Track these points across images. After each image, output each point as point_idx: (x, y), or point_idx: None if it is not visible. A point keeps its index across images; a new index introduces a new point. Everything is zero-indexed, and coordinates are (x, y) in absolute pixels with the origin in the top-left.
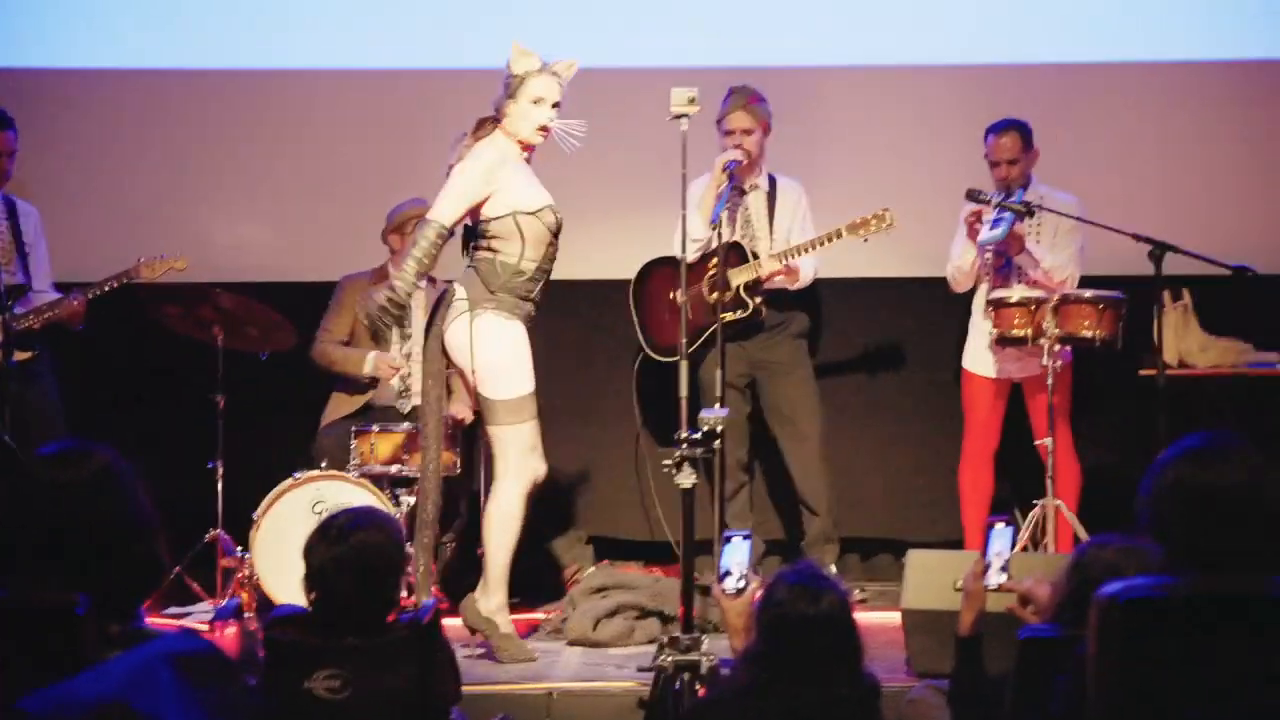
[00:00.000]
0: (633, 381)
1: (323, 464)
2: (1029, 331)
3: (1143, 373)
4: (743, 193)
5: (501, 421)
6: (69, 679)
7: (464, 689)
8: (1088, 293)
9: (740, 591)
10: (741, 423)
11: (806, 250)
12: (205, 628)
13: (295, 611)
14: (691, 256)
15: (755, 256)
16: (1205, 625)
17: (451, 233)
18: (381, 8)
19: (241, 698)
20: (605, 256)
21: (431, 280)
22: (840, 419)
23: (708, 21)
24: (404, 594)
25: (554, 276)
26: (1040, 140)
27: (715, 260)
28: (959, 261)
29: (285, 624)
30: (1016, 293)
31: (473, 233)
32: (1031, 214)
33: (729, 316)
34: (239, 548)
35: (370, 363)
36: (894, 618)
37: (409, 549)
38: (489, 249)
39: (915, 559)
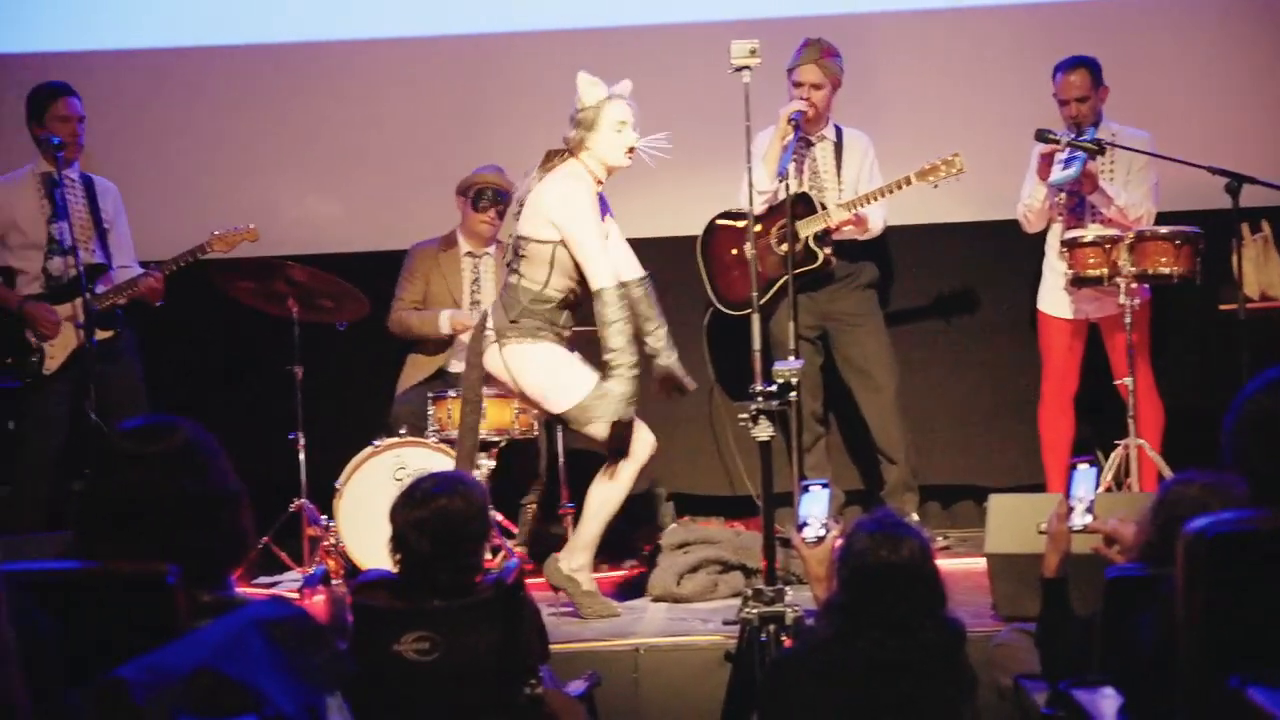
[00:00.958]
0: (703, 336)
1: (401, 431)
2: (1105, 270)
3: (1223, 307)
4: (809, 144)
5: (584, 421)
6: (163, 647)
7: (551, 648)
8: (1163, 229)
9: (820, 540)
10: (815, 374)
11: (876, 198)
12: (294, 595)
13: (381, 576)
14: (759, 209)
15: (824, 207)
16: None
17: (623, 283)
18: None
19: (332, 662)
20: (671, 214)
21: (499, 243)
22: (915, 367)
23: None
24: (489, 557)
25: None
26: (1109, 77)
27: (783, 212)
28: (1029, 200)
29: (372, 589)
30: (1091, 232)
31: (513, 249)
32: (1103, 152)
33: (802, 269)
34: (324, 516)
35: (446, 320)
36: (978, 564)
37: (493, 514)
38: (516, 270)
39: (997, 503)
